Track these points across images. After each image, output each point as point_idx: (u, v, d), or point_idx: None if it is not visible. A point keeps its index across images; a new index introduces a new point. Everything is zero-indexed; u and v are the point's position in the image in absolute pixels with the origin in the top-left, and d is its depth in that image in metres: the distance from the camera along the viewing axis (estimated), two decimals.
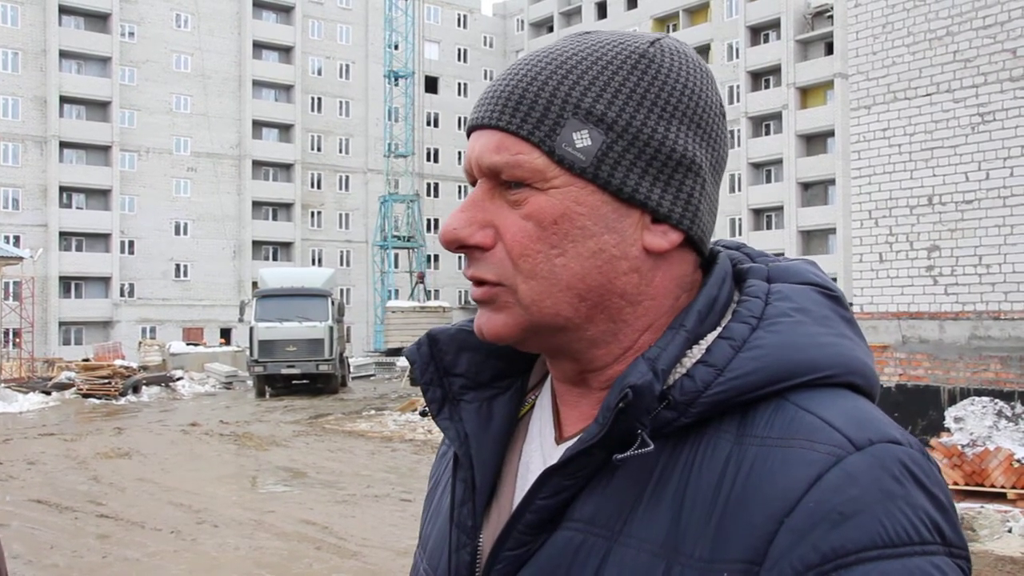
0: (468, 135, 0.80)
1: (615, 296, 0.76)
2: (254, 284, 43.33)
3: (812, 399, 0.71)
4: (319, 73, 63.06)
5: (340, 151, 63.55)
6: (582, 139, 0.74)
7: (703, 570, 0.68)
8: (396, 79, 56.93)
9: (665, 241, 0.76)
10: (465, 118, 67.59)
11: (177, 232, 57.28)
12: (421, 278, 42.59)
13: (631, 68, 0.76)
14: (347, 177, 63.69)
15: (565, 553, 0.74)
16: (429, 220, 65.67)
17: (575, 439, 0.77)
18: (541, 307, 0.76)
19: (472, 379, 0.86)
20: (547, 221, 0.75)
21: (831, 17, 50.76)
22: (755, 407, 0.72)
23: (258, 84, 60.65)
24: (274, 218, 61.56)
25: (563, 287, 0.75)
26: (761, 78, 54.90)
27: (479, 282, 0.78)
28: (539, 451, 0.82)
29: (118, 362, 29.23)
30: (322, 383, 27.35)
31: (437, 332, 0.87)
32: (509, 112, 0.76)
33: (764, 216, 54.27)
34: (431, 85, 67.13)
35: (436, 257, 65.06)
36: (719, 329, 0.76)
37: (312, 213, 62.24)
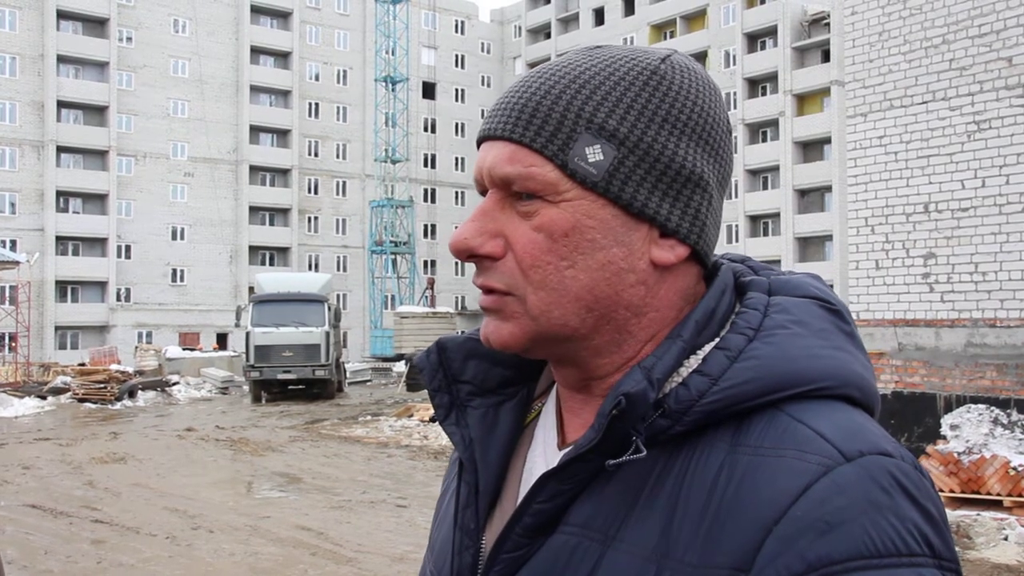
0: (479, 145, 0.81)
1: (621, 308, 0.78)
2: (250, 289, 43.30)
3: (806, 410, 0.72)
4: (316, 79, 63.09)
5: (337, 156, 63.54)
6: (594, 154, 0.75)
7: (691, 575, 0.69)
8: (393, 84, 56.98)
9: (672, 255, 0.78)
10: (462, 124, 68.05)
11: (174, 237, 57.20)
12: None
13: (643, 84, 0.77)
14: (344, 182, 63.67)
15: (560, 556, 0.76)
16: (427, 225, 65.72)
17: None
18: (550, 317, 0.77)
19: (479, 386, 0.88)
20: (558, 233, 0.76)
21: (828, 25, 50.90)
22: (750, 417, 0.73)
23: (255, 89, 60.65)
24: (271, 223, 61.51)
25: (572, 298, 0.77)
26: (758, 85, 55.01)
27: (488, 290, 0.79)
28: (542, 456, 0.84)
29: (114, 367, 29.20)
30: (318, 388, 27.30)
31: (446, 340, 0.89)
32: (523, 124, 0.77)
33: (761, 223, 54.34)
34: (429, 91, 67.18)
35: (433, 263, 65.08)
36: (717, 340, 0.77)
37: (309, 218, 62.21)
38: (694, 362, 0.76)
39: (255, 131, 60.66)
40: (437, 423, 1.02)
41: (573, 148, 0.75)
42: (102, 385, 24.82)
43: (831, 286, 0.89)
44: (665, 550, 0.71)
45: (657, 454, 0.74)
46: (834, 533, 0.65)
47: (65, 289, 53.62)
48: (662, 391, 0.74)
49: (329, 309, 27.75)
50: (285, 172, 61.60)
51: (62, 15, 54.36)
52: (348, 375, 33.62)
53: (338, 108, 63.75)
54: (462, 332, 0.92)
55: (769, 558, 0.66)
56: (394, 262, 57.45)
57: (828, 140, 50.15)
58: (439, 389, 0.88)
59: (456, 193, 67.82)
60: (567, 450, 0.80)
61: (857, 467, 0.67)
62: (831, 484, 0.66)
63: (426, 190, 66.37)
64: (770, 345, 0.75)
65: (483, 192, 0.81)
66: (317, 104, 62.97)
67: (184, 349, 39.92)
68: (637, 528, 0.73)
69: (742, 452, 0.71)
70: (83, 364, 33.99)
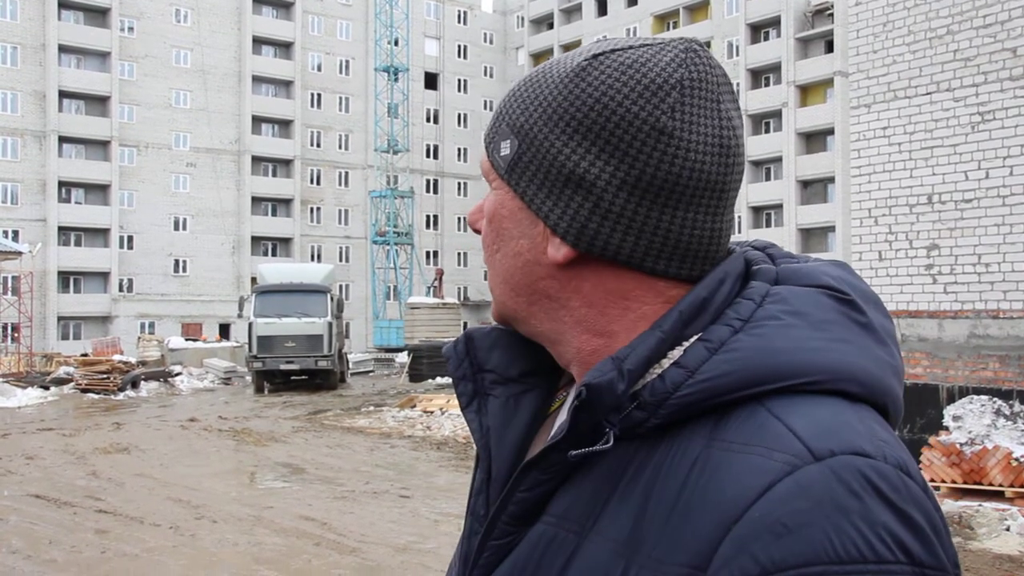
0: None
1: (543, 297, 0.81)
2: (253, 280, 43.29)
3: (787, 406, 0.69)
4: (319, 69, 62.96)
5: (340, 147, 63.47)
6: (505, 147, 0.80)
7: (655, 571, 0.68)
8: (395, 74, 56.86)
9: (559, 254, 0.78)
10: (465, 115, 67.94)
11: (176, 227, 57.20)
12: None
13: (557, 82, 0.78)
14: (346, 173, 63.62)
15: (539, 546, 0.77)
16: (430, 216, 65.65)
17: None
18: (495, 295, 0.84)
19: (502, 374, 0.89)
20: (488, 218, 0.84)
21: (831, 15, 50.72)
22: (731, 411, 0.70)
23: (258, 80, 60.54)
24: (273, 214, 61.48)
25: (501, 280, 0.84)
26: (761, 76, 54.85)
27: None
28: None
29: (117, 357, 29.20)
30: (321, 379, 27.35)
31: (473, 331, 0.92)
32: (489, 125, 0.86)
33: (764, 214, 54.28)
34: (431, 81, 67.05)
35: (437, 253, 65.05)
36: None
37: (311, 209, 62.18)
38: (677, 354, 0.74)
39: (257, 121, 60.57)
40: (460, 411, 1.10)
41: (494, 141, 0.82)
42: (105, 375, 24.87)
43: None
44: (636, 544, 0.70)
45: (638, 446, 0.73)
46: (791, 536, 0.62)
47: (67, 279, 53.65)
48: (642, 382, 0.74)
49: (332, 299, 27.78)
50: (287, 162, 61.54)
51: (63, 4, 54.23)
52: (351, 366, 33.65)
53: (340, 98, 63.64)
54: (485, 323, 0.95)
55: (725, 559, 0.64)
56: (397, 252, 57.40)
57: (831, 131, 50.02)
58: (463, 377, 0.89)
59: (459, 184, 67.75)
60: None
61: (824, 467, 0.64)
62: (793, 485, 0.64)
63: (429, 180, 66.30)
64: (755, 337, 0.72)
65: None
66: (319, 94, 62.88)
67: (187, 339, 39.93)
68: (612, 520, 0.72)
69: (716, 447, 0.69)
70: (86, 354, 34.03)
